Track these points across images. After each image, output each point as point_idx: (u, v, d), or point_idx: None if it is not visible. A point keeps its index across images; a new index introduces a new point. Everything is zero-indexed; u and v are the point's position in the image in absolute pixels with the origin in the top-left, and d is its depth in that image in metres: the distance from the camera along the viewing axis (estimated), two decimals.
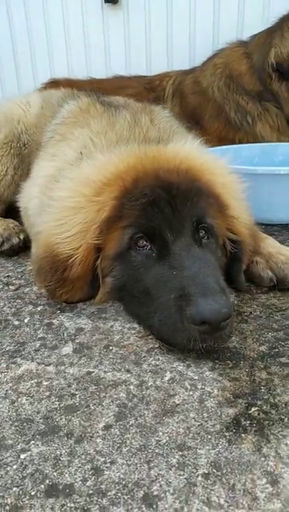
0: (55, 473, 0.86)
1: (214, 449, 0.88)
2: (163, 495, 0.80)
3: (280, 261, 1.51)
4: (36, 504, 0.80)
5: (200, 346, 1.11)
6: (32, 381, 1.13)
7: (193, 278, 1.14)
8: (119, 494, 0.80)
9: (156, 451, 0.89)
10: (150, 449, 0.89)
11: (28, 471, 0.87)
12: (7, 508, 0.79)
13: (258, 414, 0.96)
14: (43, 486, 0.83)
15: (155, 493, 0.80)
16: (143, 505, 0.78)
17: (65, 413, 1.01)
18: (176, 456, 0.87)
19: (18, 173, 2.27)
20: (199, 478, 0.82)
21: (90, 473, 0.85)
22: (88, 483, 0.83)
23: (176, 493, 0.80)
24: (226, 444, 0.89)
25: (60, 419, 0.99)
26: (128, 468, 0.86)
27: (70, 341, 1.29)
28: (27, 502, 0.80)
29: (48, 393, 1.08)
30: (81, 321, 1.39)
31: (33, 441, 0.94)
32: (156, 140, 1.59)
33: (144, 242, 1.30)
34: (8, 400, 1.06)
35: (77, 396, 1.06)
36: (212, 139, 3.01)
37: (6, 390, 1.10)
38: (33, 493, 0.82)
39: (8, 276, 1.80)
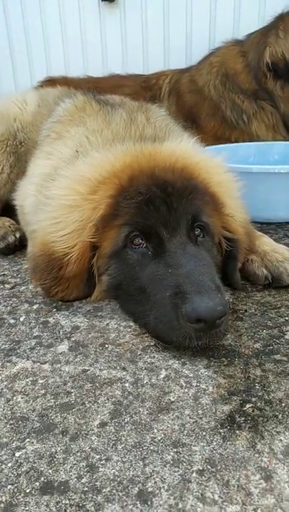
0: (50, 471, 0.86)
1: (209, 445, 0.89)
2: (158, 491, 0.80)
3: (275, 259, 1.51)
4: (31, 501, 0.80)
5: (195, 344, 1.12)
6: (27, 379, 1.13)
7: (189, 276, 1.15)
8: (114, 491, 0.81)
9: (151, 448, 0.89)
10: (145, 446, 0.90)
11: (23, 469, 0.87)
12: (2, 505, 0.79)
13: (253, 410, 0.97)
14: (38, 484, 0.83)
15: (150, 489, 0.80)
16: (138, 502, 0.78)
17: (61, 411, 1.01)
18: (171, 453, 0.88)
19: (14, 171, 2.27)
20: (194, 474, 0.83)
21: (85, 470, 0.86)
22: (83, 480, 0.83)
23: (171, 489, 0.80)
24: (221, 441, 0.90)
25: (56, 416, 0.99)
26: (123, 465, 0.86)
27: (66, 339, 1.29)
28: (22, 499, 0.81)
29: (43, 391, 1.08)
30: (77, 319, 1.39)
31: (28, 439, 0.94)
32: (152, 138, 1.59)
33: (140, 241, 1.31)
34: (3, 399, 1.06)
35: (73, 394, 1.06)
36: (208, 137, 3.02)
37: (1, 389, 1.09)
38: (28, 491, 0.82)
39: (3, 274, 1.79)
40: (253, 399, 1.01)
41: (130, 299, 1.33)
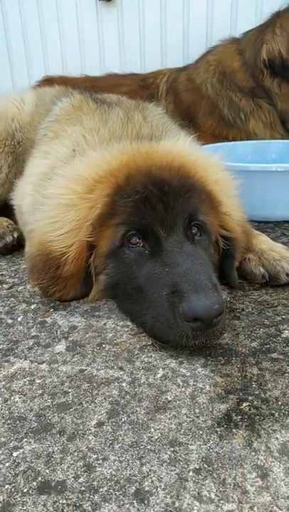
0: (47, 471, 0.86)
1: (205, 444, 0.89)
2: (154, 490, 0.80)
3: (273, 258, 1.51)
4: (28, 501, 0.80)
5: (192, 343, 1.12)
6: (25, 379, 1.13)
7: (186, 274, 1.15)
8: (111, 490, 0.81)
9: (148, 447, 0.89)
10: (142, 445, 0.90)
11: (20, 469, 0.87)
12: None
13: (249, 409, 0.97)
14: (35, 483, 0.84)
15: (147, 488, 0.81)
16: (134, 501, 0.78)
17: (58, 411, 1.01)
18: (168, 452, 0.88)
19: (12, 171, 2.27)
20: (190, 473, 0.83)
21: (82, 469, 0.86)
22: (80, 480, 0.83)
23: (168, 488, 0.80)
24: (217, 440, 0.90)
25: (53, 416, 0.99)
26: (120, 464, 0.86)
27: (64, 339, 1.29)
28: (19, 499, 0.81)
29: (40, 391, 1.08)
30: (74, 319, 1.39)
31: (25, 439, 0.94)
32: (149, 137, 1.59)
33: (137, 240, 1.31)
34: (0, 398, 1.06)
35: (70, 394, 1.06)
36: (206, 136, 3.02)
37: None
38: (25, 490, 0.82)
39: (1, 274, 1.79)
40: (250, 397, 1.01)
41: (127, 298, 1.33)
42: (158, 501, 0.78)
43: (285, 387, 1.03)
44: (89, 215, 1.35)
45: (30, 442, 0.93)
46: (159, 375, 1.10)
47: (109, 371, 1.13)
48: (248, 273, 1.54)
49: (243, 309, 1.39)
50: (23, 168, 2.05)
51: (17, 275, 1.77)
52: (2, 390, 1.09)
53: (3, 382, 1.12)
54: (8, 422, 0.99)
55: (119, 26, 4.10)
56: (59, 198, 1.42)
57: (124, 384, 1.08)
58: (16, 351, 1.25)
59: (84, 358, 1.19)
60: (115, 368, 1.14)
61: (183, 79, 3.44)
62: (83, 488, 0.82)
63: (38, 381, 1.11)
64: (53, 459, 0.88)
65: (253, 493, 0.78)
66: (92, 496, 0.80)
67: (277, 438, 0.89)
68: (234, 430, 0.92)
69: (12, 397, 1.06)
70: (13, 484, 0.84)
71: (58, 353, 1.22)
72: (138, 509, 0.77)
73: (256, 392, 1.02)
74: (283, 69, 2.98)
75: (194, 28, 3.87)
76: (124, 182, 1.35)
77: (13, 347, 1.27)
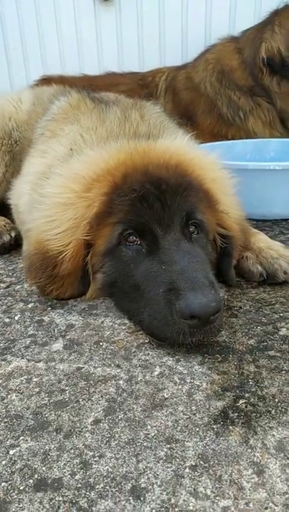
0: (43, 468, 0.86)
1: (202, 441, 0.89)
2: (150, 487, 0.80)
3: (270, 256, 1.51)
4: (25, 498, 0.80)
5: (189, 340, 1.12)
6: (22, 378, 1.13)
7: (182, 272, 1.15)
8: (107, 487, 0.81)
9: (145, 444, 0.89)
10: (138, 442, 0.90)
11: (17, 466, 0.87)
12: None
13: (246, 406, 0.97)
14: (31, 481, 0.84)
15: (143, 485, 0.81)
16: (131, 498, 0.79)
17: (55, 409, 1.01)
18: (164, 449, 0.88)
19: (9, 170, 2.27)
20: (187, 470, 0.83)
21: (79, 467, 0.86)
22: (77, 477, 0.84)
23: (164, 485, 0.80)
24: (214, 436, 0.90)
25: (50, 414, 1.00)
26: (116, 461, 0.86)
27: (61, 338, 1.29)
28: (15, 496, 0.81)
29: (37, 389, 1.08)
30: (72, 317, 1.39)
31: (22, 437, 0.94)
32: (147, 135, 1.59)
33: (134, 238, 1.31)
34: None
35: (67, 392, 1.06)
36: (205, 135, 3.02)
37: None
38: (21, 488, 0.82)
39: None
40: (247, 395, 1.01)
41: (125, 296, 1.33)
42: (154, 498, 0.78)
43: (282, 384, 1.04)
44: (86, 213, 1.35)
45: (26, 440, 0.93)
46: (156, 373, 1.10)
47: (106, 369, 1.13)
48: (246, 271, 1.54)
49: (240, 307, 1.40)
50: (21, 167, 2.04)
51: (14, 274, 1.77)
52: None
53: (0, 381, 1.12)
54: (5, 420, 0.99)
55: (117, 25, 4.09)
56: (56, 196, 1.42)
57: (121, 382, 1.08)
58: (13, 350, 1.25)
59: (81, 356, 1.19)
60: (112, 365, 1.14)
61: (181, 77, 3.43)
62: (79, 485, 0.82)
63: (35, 379, 1.12)
64: (49, 457, 0.89)
65: (249, 490, 0.78)
66: (88, 493, 0.80)
67: (273, 435, 0.89)
68: (230, 427, 0.92)
69: (9, 396, 1.06)
70: (9, 482, 0.84)
71: (55, 351, 1.23)
72: (134, 506, 0.77)
73: (253, 390, 1.02)
74: (282, 67, 2.98)
75: (193, 26, 3.87)
76: (121, 180, 1.35)
77: (10, 346, 1.27)
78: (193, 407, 0.98)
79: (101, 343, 1.24)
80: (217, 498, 0.77)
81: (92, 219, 1.34)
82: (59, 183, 1.45)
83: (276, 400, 0.99)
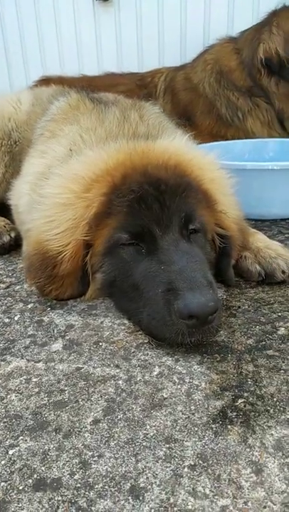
0: (43, 468, 0.86)
1: (201, 440, 0.89)
2: (149, 487, 0.80)
3: (269, 255, 1.52)
4: (24, 498, 0.81)
5: (188, 340, 1.12)
6: (21, 378, 1.13)
7: (181, 272, 1.15)
8: (106, 487, 0.81)
9: (144, 444, 0.90)
10: (138, 442, 0.90)
11: (16, 466, 0.87)
12: None
13: (245, 405, 0.98)
14: (30, 481, 0.84)
15: (142, 485, 0.81)
16: (130, 497, 0.79)
17: (54, 409, 1.01)
18: (163, 449, 0.88)
19: (9, 170, 2.27)
20: (185, 469, 0.83)
21: (78, 467, 0.86)
22: (76, 477, 0.84)
23: (163, 484, 0.81)
24: (213, 436, 0.90)
25: (49, 414, 1.00)
26: (115, 461, 0.86)
27: (60, 338, 1.29)
28: (15, 496, 0.81)
29: (37, 389, 1.08)
30: (71, 317, 1.40)
31: (21, 437, 0.94)
32: (146, 136, 1.59)
33: (133, 240, 1.31)
34: None
35: (66, 392, 1.06)
36: (204, 135, 3.02)
37: None
38: (21, 488, 0.83)
39: None
40: (245, 394, 1.01)
41: (124, 296, 1.33)
42: (153, 497, 0.78)
43: (280, 383, 1.04)
44: (85, 214, 1.35)
45: (26, 440, 0.93)
46: (155, 373, 1.11)
47: (105, 369, 1.13)
48: (245, 271, 1.54)
49: (239, 307, 1.40)
50: (20, 168, 2.05)
51: (14, 274, 1.77)
52: None
53: None
54: (5, 420, 0.99)
55: (116, 26, 4.10)
56: (56, 197, 1.42)
57: (120, 382, 1.08)
58: (13, 350, 1.25)
59: (80, 357, 1.19)
60: (112, 365, 1.14)
61: (180, 78, 3.44)
62: (79, 485, 0.82)
63: (34, 380, 1.12)
64: (48, 457, 0.89)
65: (248, 489, 0.78)
66: (87, 493, 0.80)
67: (272, 434, 0.90)
68: (229, 426, 0.92)
69: (8, 396, 1.07)
70: (8, 482, 0.84)
71: (55, 351, 1.23)
72: (133, 505, 0.77)
73: (251, 389, 1.03)
74: (280, 68, 2.98)
75: (191, 27, 3.87)
76: (120, 181, 1.35)
77: (9, 346, 1.27)
78: (192, 407, 0.98)
79: (100, 343, 1.25)
80: (216, 497, 0.77)
81: (92, 219, 1.35)
82: (58, 183, 1.46)
83: (275, 399, 0.99)
